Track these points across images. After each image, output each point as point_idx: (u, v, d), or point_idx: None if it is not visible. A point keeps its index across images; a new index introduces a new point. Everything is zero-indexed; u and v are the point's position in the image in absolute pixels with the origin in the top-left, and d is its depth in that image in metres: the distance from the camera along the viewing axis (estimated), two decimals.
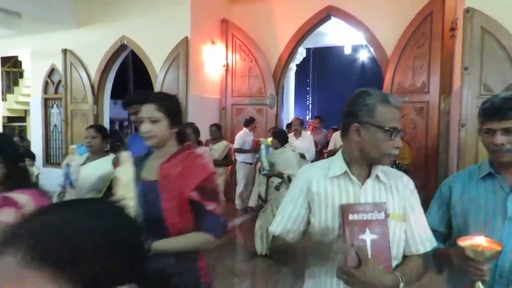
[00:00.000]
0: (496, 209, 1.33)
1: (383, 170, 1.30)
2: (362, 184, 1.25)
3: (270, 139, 4.73)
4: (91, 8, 6.78)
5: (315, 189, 1.26)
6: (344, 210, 1.17)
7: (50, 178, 4.58)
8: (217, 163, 4.85)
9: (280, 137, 4.57)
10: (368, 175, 1.27)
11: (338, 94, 17.32)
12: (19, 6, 6.09)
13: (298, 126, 6.02)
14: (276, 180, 4.35)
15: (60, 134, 7.51)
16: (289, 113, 10.83)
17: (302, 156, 5.38)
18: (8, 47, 8.09)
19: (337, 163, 1.28)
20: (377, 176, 1.26)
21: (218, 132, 5.24)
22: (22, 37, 7.62)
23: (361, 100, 1.22)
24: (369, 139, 1.21)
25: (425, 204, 4.80)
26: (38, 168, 6.84)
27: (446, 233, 1.52)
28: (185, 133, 1.68)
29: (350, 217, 1.16)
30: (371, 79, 14.40)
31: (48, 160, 7.65)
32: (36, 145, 7.64)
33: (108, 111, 7.31)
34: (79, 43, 6.95)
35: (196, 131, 4.45)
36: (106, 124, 7.21)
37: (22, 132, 9.55)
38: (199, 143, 4.55)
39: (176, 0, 6.00)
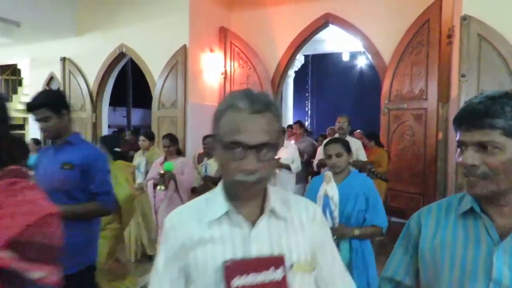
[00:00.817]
0: (477, 265, 0.92)
1: (283, 199, 0.96)
2: (253, 225, 0.89)
3: None
4: (90, 16, 6.81)
5: (189, 244, 0.89)
6: (227, 271, 0.84)
7: None
8: (213, 181, 4.33)
9: None
10: (262, 210, 0.92)
11: (337, 100, 17.41)
12: (18, 15, 6.12)
13: None
14: None
15: None
16: (288, 120, 10.83)
17: (288, 167, 4.99)
18: (7, 55, 8.11)
19: (216, 199, 0.92)
20: (273, 211, 0.92)
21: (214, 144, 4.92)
22: (21, 45, 7.65)
23: (219, 106, 0.92)
24: (217, 159, 0.91)
25: None
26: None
27: (415, 287, 1.13)
28: (12, 151, 1.06)
29: (236, 281, 0.83)
30: (369, 85, 14.47)
31: None
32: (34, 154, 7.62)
33: (107, 119, 7.31)
34: (78, 51, 6.97)
35: (174, 141, 4.25)
36: (105, 132, 7.21)
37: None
38: (179, 153, 4.34)
39: (174, 8, 6.02)
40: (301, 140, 6.64)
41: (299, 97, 15.72)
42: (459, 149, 0.95)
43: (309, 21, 6.44)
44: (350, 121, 4.81)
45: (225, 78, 6.77)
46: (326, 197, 2.30)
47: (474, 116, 0.88)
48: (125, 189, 2.89)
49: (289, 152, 5.03)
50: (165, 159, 4.15)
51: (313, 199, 2.33)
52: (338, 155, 2.37)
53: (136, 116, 20.46)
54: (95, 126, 6.97)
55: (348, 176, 2.40)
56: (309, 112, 18.76)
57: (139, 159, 4.83)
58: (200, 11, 6.20)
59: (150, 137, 5.03)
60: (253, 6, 6.81)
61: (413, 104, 5.52)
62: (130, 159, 4.90)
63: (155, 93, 6.21)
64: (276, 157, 2.88)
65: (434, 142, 5.30)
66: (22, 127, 10.04)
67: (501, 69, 4.12)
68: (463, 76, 4.24)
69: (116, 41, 6.54)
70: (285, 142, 5.34)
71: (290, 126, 7.34)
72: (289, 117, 11.05)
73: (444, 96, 5.30)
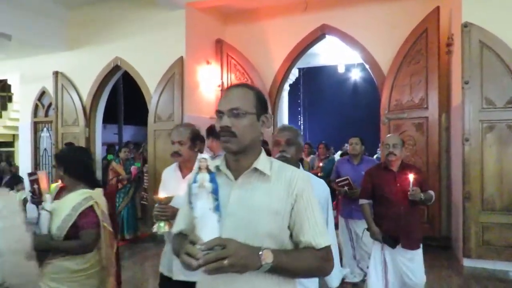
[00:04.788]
0: None
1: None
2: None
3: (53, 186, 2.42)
4: (83, 30, 6.71)
5: None
6: None
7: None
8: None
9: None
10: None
11: (331, 113, 17.44)
12: (10, 28, 5.99)
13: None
14: None
15: (50, 158, 7.27)
16: None
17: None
18: None
19: None
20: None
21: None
22: (11, 60, 7.49)
23: None
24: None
25: (431, 222, 4.49)
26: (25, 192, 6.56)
27: None
28: None
29: None
30: (363, 98, 14.53)
31: None
32: (25, 170, 7.35)
33: (101, 134, 7.13)
34: (70, 65, 6.83)
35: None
36: (99, 147, 7.01)
37: (10, 157, 9.25)
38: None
39: (170, 21, 5.96)
40: None
41: (293, 111, 15.70)
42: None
43: (305, 33, 6.41)
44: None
45: (221, 90, 6.67)
46: None
47: None
48: None
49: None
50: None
51: None
52: None
53: (128, 133, 20.20)
54: (88, 141, 6.78)
55: None
56: (302, 125, 18.76)
57: None
58: (196, 24, 6.15)
59: None
60: (249, 19, 6.79)
61: (413, 113, 5.48)
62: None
63: (151, 106, 6.07)
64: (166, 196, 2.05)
65: (436, 151, 5.24)
66: (11, 144, 9.76)
67: (504, 75, 4.11)
68: (466, 83, 4.21)
69: (111, 54, 6.42)
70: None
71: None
72: None
73: (444, 104, 5.28)
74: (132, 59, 6.29)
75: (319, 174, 5.56)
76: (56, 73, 6.86)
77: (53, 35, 6.65)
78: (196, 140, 2.26)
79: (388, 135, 3.24)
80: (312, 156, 7.18)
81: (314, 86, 16.52)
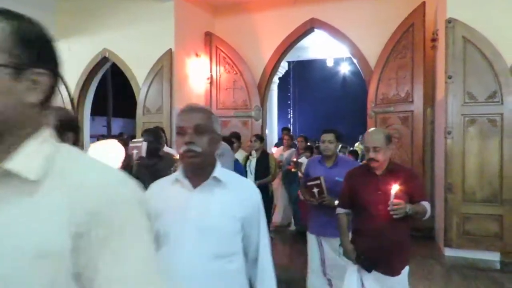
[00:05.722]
0: None
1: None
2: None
3: None
4: (70, 20, 6.63)
5: None
6: None
7: None
8: None
9: None
10: None
11: (320, 106, 17.57)
12: None
13: None
14: None
15: None
16: (273, 127, 10.80)
17: None
18: None
19: None
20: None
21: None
22: None
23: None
24: None
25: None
26: None
27: None
28: None
29: None
30: (352, 91, 14.68)
31: None
32: None
33: (89, 126, 7.10)
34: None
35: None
36: (87, 139, 6.98)
37: None
38: None
39: (159, 13, 5.93)
40: None
41: (282, 104, 15.76)
42: None
43: (294, 27, 6.46)
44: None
45: (211, 83, 6.69)
46: None
47: None
48: None
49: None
50: None
51: None
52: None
53: (117, 125, 20.05)
54: None
55: None
56: (292, 119, 18.86)
57: None
58: (185, 16, 6.13)
59: None
60: (238, 11, 6.79)
61: (399, 107, 5.58)
62: None
63: (140, 98, 6.06)
64: None
65: (421, 144, 5.36)
66: None
67: (486, 70, 4.21)
68: (449, 77, 4.31)
69: (99, 46, 6.38)
70: None
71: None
72: (274, 124, 11.03)
73: (429, 99, 5.39)
74: (120, 50, 6.25)
75: (293, 170, 5.30)
76: None
77: None
78: (66, 130, 1.48)
79: (368, 131, 2.51)
80: (293, 149, 6.38)
81: (304, 79, 16.59)
